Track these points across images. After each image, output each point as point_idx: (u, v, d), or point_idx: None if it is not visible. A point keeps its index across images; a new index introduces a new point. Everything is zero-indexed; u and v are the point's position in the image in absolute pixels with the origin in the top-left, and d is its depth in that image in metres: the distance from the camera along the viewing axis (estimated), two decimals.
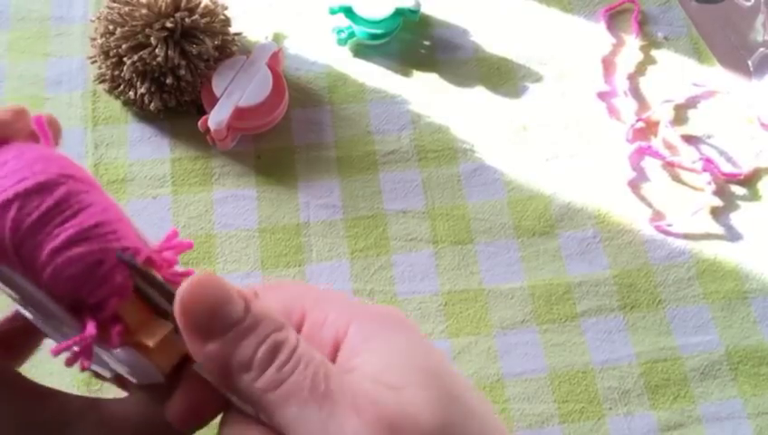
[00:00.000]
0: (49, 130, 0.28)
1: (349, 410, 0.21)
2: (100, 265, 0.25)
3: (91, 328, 0.24)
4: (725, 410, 0.54)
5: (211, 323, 0.23)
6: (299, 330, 0.25)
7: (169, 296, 0.25)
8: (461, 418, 0.23)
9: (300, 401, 0.22)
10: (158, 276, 0.26)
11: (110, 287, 0.25)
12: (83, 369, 0.26)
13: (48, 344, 0.27)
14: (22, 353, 0.30)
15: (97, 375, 0.29)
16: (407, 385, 0.22)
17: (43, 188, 0.25)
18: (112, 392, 0.30)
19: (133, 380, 0.28)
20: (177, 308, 0.23)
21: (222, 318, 0.23)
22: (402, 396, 0.22)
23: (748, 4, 0.70)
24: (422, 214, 0.60)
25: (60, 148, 0.28)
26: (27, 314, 0.28)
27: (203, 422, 0.25)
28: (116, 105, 0.63)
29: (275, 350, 0.23)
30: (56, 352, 0.25)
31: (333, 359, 0.24)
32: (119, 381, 0.30)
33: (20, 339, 0.30)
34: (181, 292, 0.23)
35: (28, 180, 0.25)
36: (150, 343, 0.25)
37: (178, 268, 0.27)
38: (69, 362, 0.26)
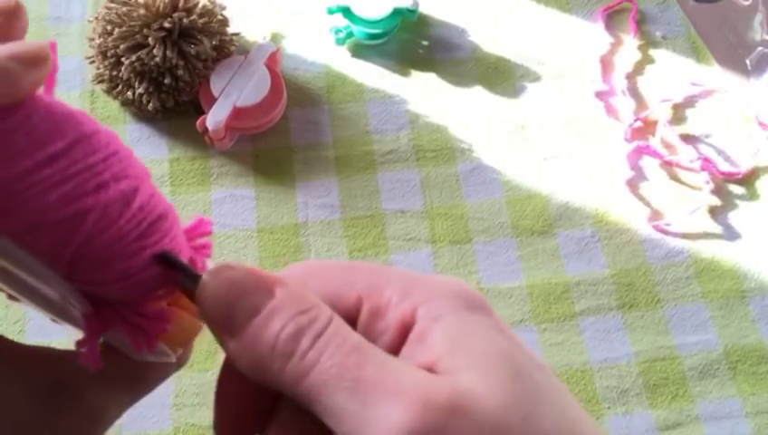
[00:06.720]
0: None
1: (389, 397, 0.19)
2: (165, 284, 0.23)
3: (139, 343, 0.23)
4: (724, 409, 0.54)
5: (232, 320, 0.21)
6: (355, 317, 0.23)
7: None
8: (532, 399, 0.21)
9: (330, 391, 0.19)
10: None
11: (167, 303, 0.24)
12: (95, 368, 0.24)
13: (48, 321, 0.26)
14: None
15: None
16: (465, 369, 0.20)
17: (125, 195, 0.22)
18: None
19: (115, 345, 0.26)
20: (200, 311, 0.22)
21: (242, 312, 0.21)
22: (459, 379, 0.20)
23: (746, 3, 0.70)
24: (420, 213, 0.60)
25: None
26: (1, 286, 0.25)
27: (254, 430, 0.23)
28: (114, 105, 0.63)
29: (297, 336, 0.20)
30: (82, 346, 0.24)
31: (400, 345, 0.22)
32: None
33: None
34: (199, 294, 0.22)
35: (124, 181, 0.22)
36: (174, 358, 0.25)
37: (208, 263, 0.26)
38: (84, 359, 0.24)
